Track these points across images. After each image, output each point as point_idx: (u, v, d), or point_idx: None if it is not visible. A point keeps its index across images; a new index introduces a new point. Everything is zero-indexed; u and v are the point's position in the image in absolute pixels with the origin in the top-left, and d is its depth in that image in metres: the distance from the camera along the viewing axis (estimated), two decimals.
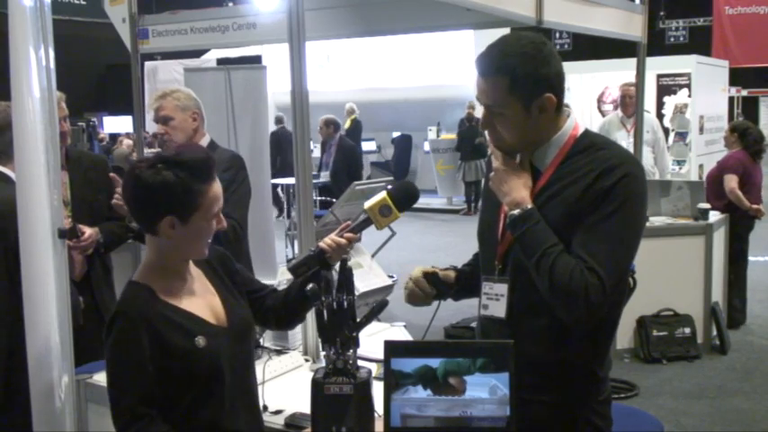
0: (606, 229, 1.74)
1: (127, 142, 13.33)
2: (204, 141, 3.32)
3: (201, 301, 1.91)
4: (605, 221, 1.74)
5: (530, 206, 1.80)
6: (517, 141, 1.87)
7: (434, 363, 1.69)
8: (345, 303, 1.82)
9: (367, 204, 1.98)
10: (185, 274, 1.92)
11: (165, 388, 1.79)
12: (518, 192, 1.83)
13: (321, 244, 2.00)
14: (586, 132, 1.91)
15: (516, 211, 1.81)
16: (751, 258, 6.68)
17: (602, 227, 1.74)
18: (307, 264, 1.99)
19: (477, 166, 12.99)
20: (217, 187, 1.85)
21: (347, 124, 13.90)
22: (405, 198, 2.01)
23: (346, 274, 1.87)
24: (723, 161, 6.61)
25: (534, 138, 1.87)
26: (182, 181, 1.77)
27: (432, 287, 2.10)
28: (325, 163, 9.54)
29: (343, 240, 2.00)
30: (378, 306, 1.92)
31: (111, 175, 3.07)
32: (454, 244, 9.96)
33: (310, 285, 1.86)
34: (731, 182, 6.26)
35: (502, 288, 1.88)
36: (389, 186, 2.05)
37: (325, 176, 9.36)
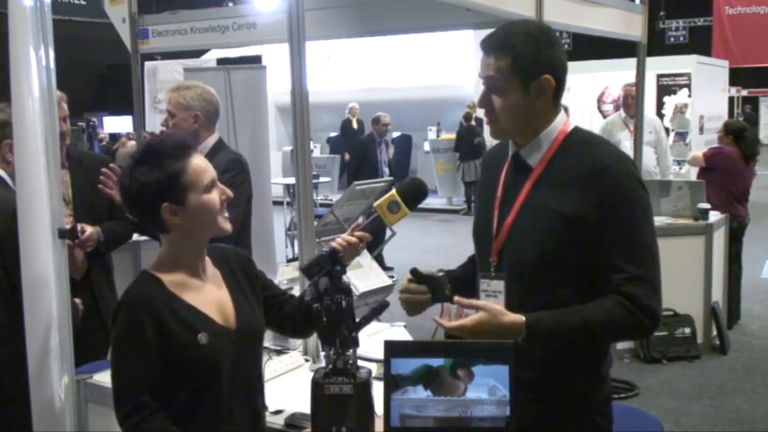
0: (635, 232, 1.76)
1: (131, 143, 13.34)
2: (210, 141, 3.26)
3: (211, 299, 1.91)
4: (631, 225, 1.76)
5: (523, 319, 1.74)
6: (512, 123, 1.87)
7: (435, 363, 1.69)
8: (344, 304, 1.82)
9: (376, 202, 2.00)
10: (198, 270, 1.91)
11: (163, 382, 1.78)
12: (502, 325, 1.73)
13: (333, 243, 2.00)
14: (576, 129, 1.91)
15: (523, 334, 1.73)
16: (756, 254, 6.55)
17: (631, 232, 1.76)
18: (319, 263, 1.98)
19: (476, 165, 12.97)
20: (197, 160, 1.86)
21: (354, 124, 13.91)
22: (412, 194, 2.02)
23: (338, 276, 1.88)
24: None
25: (528, 124, 1.87)
26: (158, 169, 1.80)
27: (422, 284, 2.06)
28: (383, 160, 9.10)
29: (353, 239, 1.99)
30: (378, 307, 1.92)
31: (112, 166, 3.04)
32: (454, 244, 9.95)
33: (317, 305, 1.84)
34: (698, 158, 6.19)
35: (499, 285, 1.88)
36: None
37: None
